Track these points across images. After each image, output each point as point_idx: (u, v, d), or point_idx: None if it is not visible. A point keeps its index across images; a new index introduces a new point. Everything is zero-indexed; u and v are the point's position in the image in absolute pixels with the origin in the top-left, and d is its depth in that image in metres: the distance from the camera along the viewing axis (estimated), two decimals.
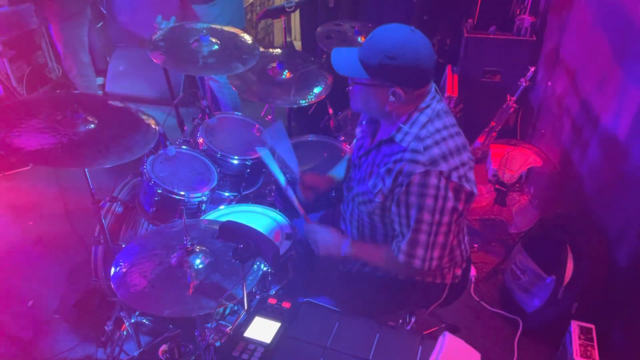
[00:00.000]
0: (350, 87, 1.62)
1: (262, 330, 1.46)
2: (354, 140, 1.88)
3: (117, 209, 2.32)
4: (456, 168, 1.52)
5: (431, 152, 1.50)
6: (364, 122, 1.81)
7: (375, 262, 1.75)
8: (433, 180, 1.49)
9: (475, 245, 2.92)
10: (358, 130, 1.85)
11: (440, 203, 1.51)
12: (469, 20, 3.28)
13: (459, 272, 1.80)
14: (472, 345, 1.39)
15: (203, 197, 2.23)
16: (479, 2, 3.25)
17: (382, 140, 1.63)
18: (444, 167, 1.50)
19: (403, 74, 1.50)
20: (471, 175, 1.58)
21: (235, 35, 2.63)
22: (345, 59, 1.57)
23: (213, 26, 2.65)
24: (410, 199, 1.52)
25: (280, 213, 2.19)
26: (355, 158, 1.80)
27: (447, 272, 1.77)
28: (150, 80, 4.14)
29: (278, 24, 4.83)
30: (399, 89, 1.51)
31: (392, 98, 1.53)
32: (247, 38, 2.62)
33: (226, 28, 2.66)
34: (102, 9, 4.16)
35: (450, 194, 1.51)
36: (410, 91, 1.53)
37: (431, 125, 1.55)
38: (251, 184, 2.59)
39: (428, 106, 1.57)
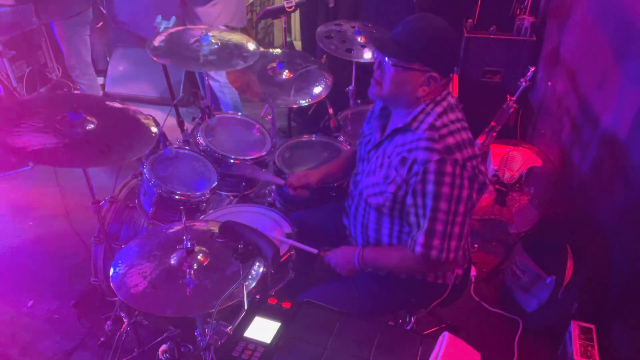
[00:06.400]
0: (376, 71, 1.62)
1: (262, 330, 1.46)
2: (361, 138, 1.87)
3: (117, 209, 2.32)
4: (470, 158, 1.55)
5: (446, 141, 1.53)
6: (372, 119, 1.81)
7: (389, 263, 1.73)
8: (449, 168, 1.50)
9: (475, 245, 2.92)
10: (366, 128, 1.85)
11: (456, 191, 1.52)
12: (469, 20, 3.27)
13: (460, 272, 1.81)
14: (472, 345, 1.39)
15: (203, 197, 2.22)
16: (479, 2, 3.24)
17: (396, 129, 1.64)
18: (458, 155, 1.52)
19: (443, 58, 1.55)
20: (482, 167, 1.61)
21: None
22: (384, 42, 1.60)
23: (213, 31, 2.64)
24: (426, 187, 1.53)
25: (279, 213, 2.19)
26: (363, 153, 1.81)
27: (448, 273, 1.77)
28: (150, 80, 4.14)
29: (278, 24, 4.82)
30: (436, 73, 1.55)
31: (426, 83, 1.56)
32: (249, 46, 2.59)
33: (226, 35, 2.65)
34: (102, 8, 4.16)
35: (466, 183, 1.53)
36: (443, 77, 1.57)
37: (446, 117, 1.59)
38: (251, 184, 2.59)
39: (444, 99, 1.61)
